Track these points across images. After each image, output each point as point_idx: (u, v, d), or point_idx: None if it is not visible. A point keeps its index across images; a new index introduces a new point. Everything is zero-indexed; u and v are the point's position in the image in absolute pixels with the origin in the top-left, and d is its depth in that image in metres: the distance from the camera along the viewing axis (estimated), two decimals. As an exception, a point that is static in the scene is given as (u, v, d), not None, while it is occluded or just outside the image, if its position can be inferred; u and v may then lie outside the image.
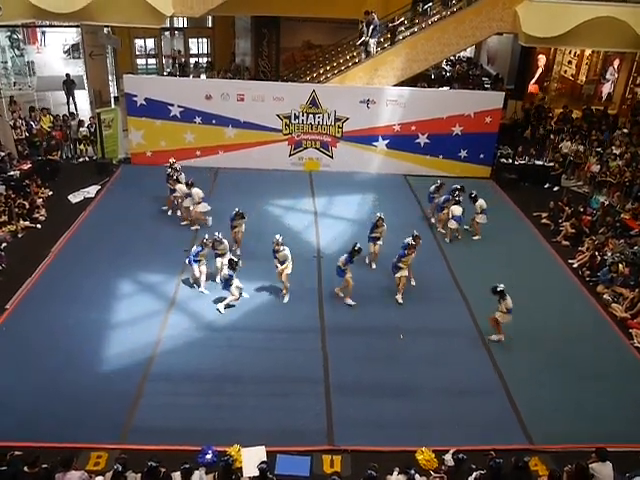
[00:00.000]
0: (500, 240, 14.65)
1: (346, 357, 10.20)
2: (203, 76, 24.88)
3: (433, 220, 15.22)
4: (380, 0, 20.12)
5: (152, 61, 25.86)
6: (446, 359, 10.37)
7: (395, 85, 18.47)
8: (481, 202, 14.41)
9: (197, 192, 13.95)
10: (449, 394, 9.51)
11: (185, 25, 26.36)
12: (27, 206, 14.40)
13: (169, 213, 14.85)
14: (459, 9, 18.41)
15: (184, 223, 14.32)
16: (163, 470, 7.28)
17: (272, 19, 22.66)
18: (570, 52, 24.41)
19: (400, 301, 11.76)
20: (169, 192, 14.63)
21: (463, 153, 18.17)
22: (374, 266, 12.90)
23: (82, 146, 18.44)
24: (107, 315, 10.96)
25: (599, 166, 17.96)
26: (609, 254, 13.59)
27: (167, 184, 14.55)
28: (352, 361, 10.13)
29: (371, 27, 17.87)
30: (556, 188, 18.23)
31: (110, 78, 22.51)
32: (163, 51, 26.12)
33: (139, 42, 25.26)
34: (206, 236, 11.68)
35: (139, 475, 7.25)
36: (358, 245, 11.53)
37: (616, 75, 23.29)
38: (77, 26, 21.99)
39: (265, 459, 7.70)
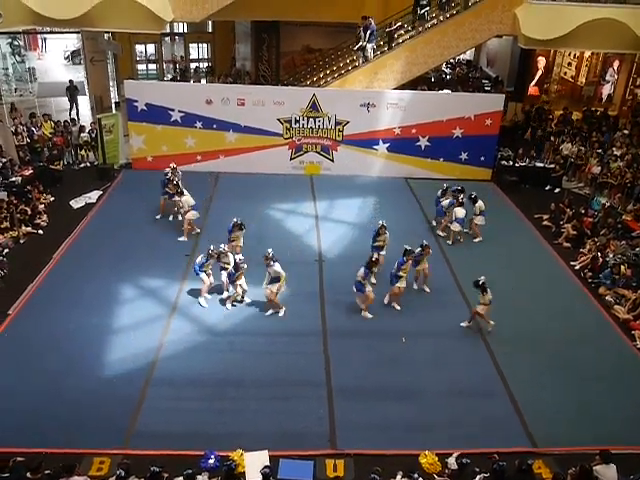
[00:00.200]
0: (501, 242, 14.65)
1: (348, 360, 10.20)
2: (203, 81, 24.93)
3: (434, 223, 15.22)
4: (379, 4, 20.19)
5: (152, 66, 25.93)
6: (448, 362, 10.36)
7: (395, 88, 18.52)
8: (480, 203, 14.43)
9: (187, 200, 13.85)
10: (452, 397, 9.50)
11: (185, 30, 26.44)
12: (29, 212, 14.43)
13: (169, 218, 14.72)
14: (456, 13, 18.43)
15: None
16: (166, 475, 7.28)
17: (272, 24, 22.73)
18: (570, 54, 24.42)
19: (398, 307, 11.72)
20: (167, 197, 14.55)
21: (464, 156, 18.18)
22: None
23: (83, 152, 18.49)
24: (109, 320, 10.96)
25: (600, 167, 17.96)
26: (611, 256, 13.58)
27: (166, 189, 14.43)
28: (354, 364, 10.12)
29: (368, 32, 17.91)
30: (557, 190, 18.22)
31: (111, 84, 22.58)
32: (163, 56, 26.19)
33: (140, 48, 25.33)
34: (211, 247, 11.44)
35: (142, 480, 7.25)
36: (375, 256, 11.41)
37: (616, 76, 23.30)
38: (78, 32, 22.07)
39: (268, 463, 7.70)
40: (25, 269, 12.36)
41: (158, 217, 14.82)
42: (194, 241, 13.80)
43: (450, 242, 14.38)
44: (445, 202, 14.57)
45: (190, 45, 26.67)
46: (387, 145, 18.06)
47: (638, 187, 16.47)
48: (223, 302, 11.60)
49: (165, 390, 9.32)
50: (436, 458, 8.23)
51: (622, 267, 12.89)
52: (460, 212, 14.19)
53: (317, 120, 17.70)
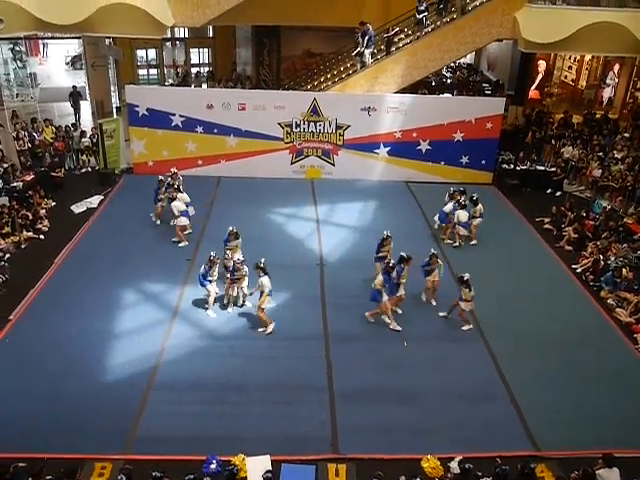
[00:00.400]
0: (503, 245, 14.66)
1: (350, 364, 10.19)
2: (204, 86, 24.98)
3: (436, 226, 15.20)
4: (379, 9, 20.22)
5: (153, 71, 25.97)
6: (449, 365, 10.35)
7: (396, 92, 18.52)
8: (480, 206, 14.42)
9: (177, 205, 13.74)
10: (453, 400, 9.49)
11: (186, 35, 26.49)
12: (30, 217, 14.46)
13: (170, 222, 14.61)
14: (454, 19, 18.45)
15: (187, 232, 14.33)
16: (167, 480, 7.27)
17: (272, 28, 22.77)
18: (570, 57, 24.42)
19: (399, 311, 11.67)
20: (167, 201, 14.46)
21: (465, 159, 18.18)
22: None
23: (84, 157, 18.54)
24: (111, 325, 10.97)
25: (601, 171, 17.95)
26: (612, 259, 13.57)
27: (166, 193, 14.36)
28: (356, 368, 10.11)
29: (366, 38, 17.92)
30: (558, 193, 18.22)
31: (112, 89, 22.59)
32: (164, 61, 26.24)
33: (140, 53, 25.33)
34: (212, 253, 11.33)
35: (144, 485, 7.24)
36: (393, 262, 11.31)
37: (616, 80, 23.29)
38: (79, 37, 22.13)
39: (270, 468, 7.69)
40: (26, 274, 12.37)
41: (158, 223, 14.83)
42: (195, 245, 13.80)
43: (458, 244, 14.36)
44: (446, 207, 14.55)
45: (191, 50, 26.72)
46: (388, 149, 18.07)
47: (639, 190, 16.47)
48: (224, 307, 11.61)
49: (167, 394, 9.32)
50: (438, 462, 8.21)
51: (624, 270, 12.87)
52: (463, 216, 14.19)
53: (318, 124, 17.72)
